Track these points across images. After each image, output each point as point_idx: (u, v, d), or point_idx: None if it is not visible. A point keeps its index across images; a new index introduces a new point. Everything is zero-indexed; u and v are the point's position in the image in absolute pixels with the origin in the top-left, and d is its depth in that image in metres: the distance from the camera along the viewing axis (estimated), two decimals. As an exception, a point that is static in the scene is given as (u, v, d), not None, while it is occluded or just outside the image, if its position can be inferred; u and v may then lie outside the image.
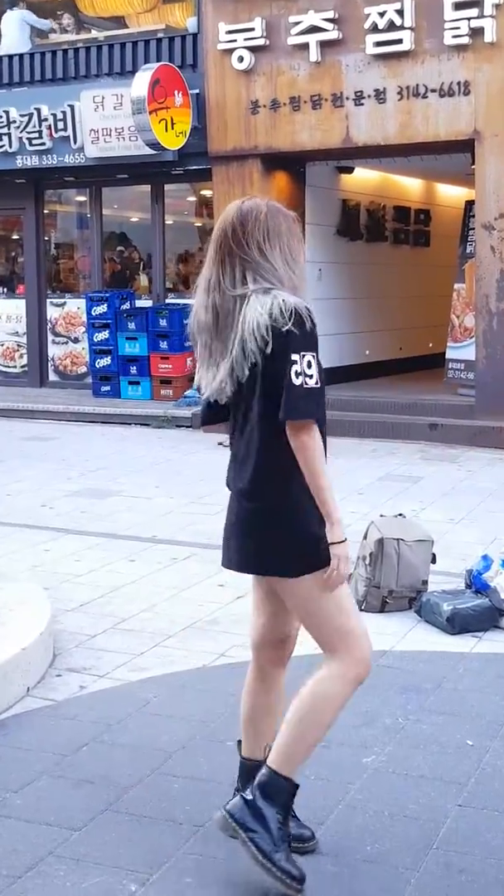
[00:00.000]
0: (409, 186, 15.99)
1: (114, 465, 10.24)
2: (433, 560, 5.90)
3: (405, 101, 11.49)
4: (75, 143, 13.46)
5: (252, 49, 12.19)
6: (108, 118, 13.07)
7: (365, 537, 5.83)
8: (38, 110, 13.61)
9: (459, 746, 4.06)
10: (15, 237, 15.87)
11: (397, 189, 15.61)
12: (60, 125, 13.48)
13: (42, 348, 15.16)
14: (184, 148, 12.83)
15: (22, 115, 13.72)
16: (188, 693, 4.60)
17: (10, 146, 13.95)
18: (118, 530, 7.59)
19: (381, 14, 11.39)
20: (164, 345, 13.51)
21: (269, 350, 2.95)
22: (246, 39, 12.20)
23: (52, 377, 15.17)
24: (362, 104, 11.72)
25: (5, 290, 15.69)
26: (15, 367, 15.47)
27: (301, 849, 3.25)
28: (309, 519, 3.01)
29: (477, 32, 10.93)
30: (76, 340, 14.90)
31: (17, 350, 15.40)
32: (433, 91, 11.32)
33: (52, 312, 15.10)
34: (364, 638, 3.14)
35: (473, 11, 10.91)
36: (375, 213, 15.08)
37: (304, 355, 2.93)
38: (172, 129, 12.63)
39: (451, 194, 16.37)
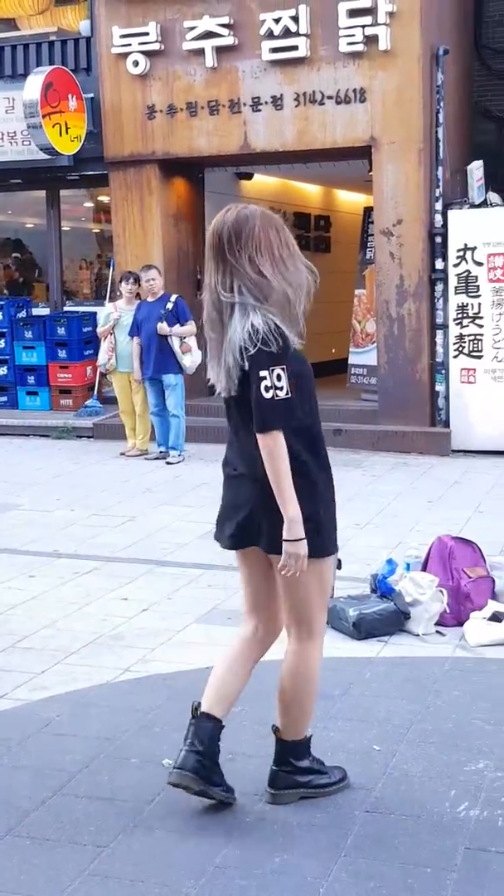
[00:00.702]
0: (308, 193, 16.11)
1: (12, 478, 10.10)
2: (339, 566, 5.90)
3: (302, 108, 11.58)
4: (-32, 149, 13.26)
5: (147, 53, 12.16)
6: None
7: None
8: None
9: (367, 752, 4.09)
10: None
11: (297, 195, 15.73)
12: (-48, 131, 13.27)
13: None
14: (79, 153, 12.74)
15: None
16: (92, 711, 4.55)
17: None
18: (17, 545, 7.49)
19: (277, 20, 11.46)
20: (62, 353, 13.38)
21: (245, 366, 3.35)
22: (141, 44, 12.16)
23: None
24: (260, 110, 11.77)
25: None
26: None
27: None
28: (304, 504, 3.40)
29: (372, 40, 11.06)
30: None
31: None
32: (330, 98, 11.41)
33: None
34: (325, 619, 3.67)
35: (368, 19, 11.04)
36: (275, 220, 15.13)
37: (273, 370, 3.32)
38: (67, 133, 12.52)
39: (351, 200, 16.56)
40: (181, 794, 3.70)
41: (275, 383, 3.32)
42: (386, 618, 5.47)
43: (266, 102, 11.72)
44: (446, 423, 11.38)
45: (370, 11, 11.04)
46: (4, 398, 13.66)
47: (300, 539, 3.37)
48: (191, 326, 10.82)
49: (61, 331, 13.37)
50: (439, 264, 11.29)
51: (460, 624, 5.55)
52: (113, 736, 4.26)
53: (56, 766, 4.00)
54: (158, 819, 3.60)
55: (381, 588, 5.64)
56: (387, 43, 10.99)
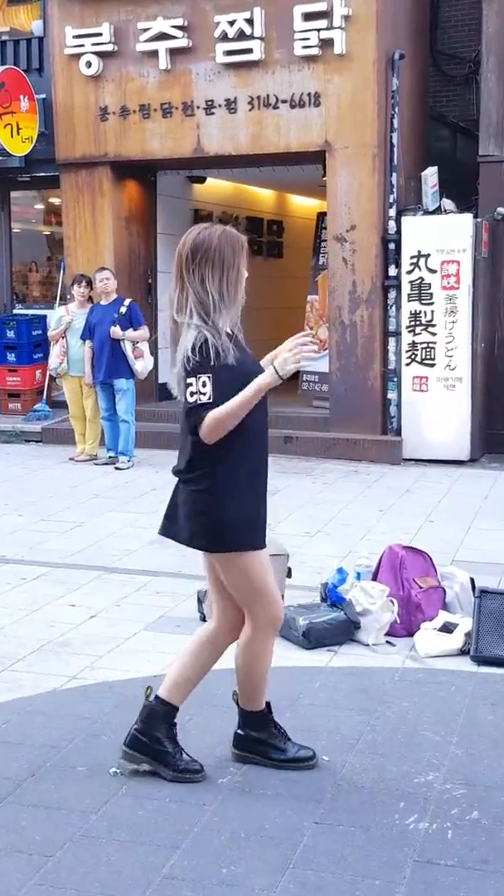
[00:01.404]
0: (261, 197, 16.15)
1: (-41, 482, 10.03)
2: (289, 574, 5.95)
3: (256, 112, 11.61)
4: None
5: (100, 55, 12.14)
6: (-50, 122, 12.82)
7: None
8: None
9: (317, 763, 4.10)
10: None
11: (250, 199, 15.76)
12: None
13: None
14: (31, 154, 12.69)
15: None
16: (38, 718, 4.53)
17: None
18: (-36, 550, 7.44)
19: (231, 23, 11.48)
20: (11, 357, 13.31)
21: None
22: (94, 45, 12.14)
23: None
24: (213, 113, 11.79)
25: None
26: None
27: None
28: (230, 504, 3.77)
29: (327, 44, 11.12)
30: None
31: None
32: (284, 102, 11.46)
33: None
34: (276, 601, 3.95)
35: (323, 23, 11.10)
36: (227, 224, 15.13)
37: (199, 377, 3.68)
38: (18, 134, 12.47)
39: (304, 205, 16.61)
40: (129, 802, 3.69)
41: (199, 389, 3.69)
42: (336, 627, 5.49)
43: (220, 105, 11.74)
44: (398, 432, 11.45)
45: (326, 15, 11.10)
46: (-49, 401, 13.54)
47: (268, 371, 3.77)
48: (144, 331, 10.81)
49: (10, 334, 13.30)
50: (392, 271, 11.36)
51: (410, 634, 5.57)
52: (59, 744, 4.25)
53: (1, 775, 3.97)
54: (105, 828, 3.60)
55: (331, 597, 5.67)
56: (342, 47, 11.06)
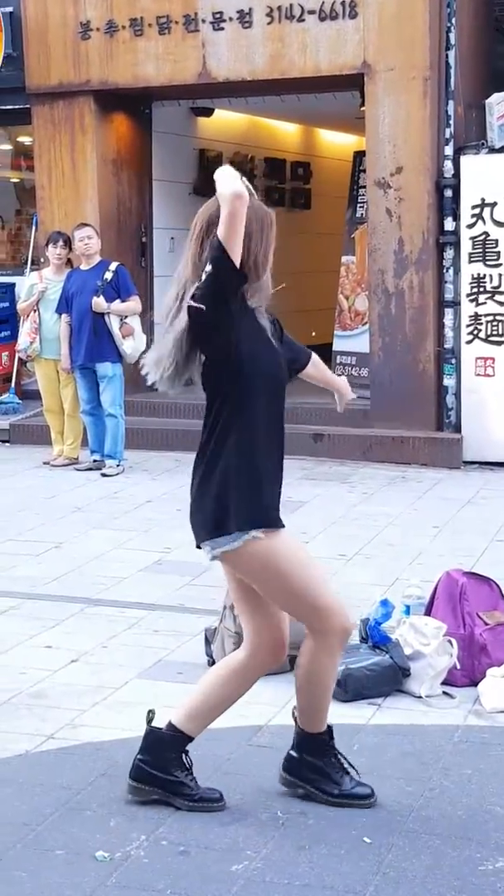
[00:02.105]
0: (284, 133, 16.16)
1: None
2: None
3: (276, 26, 11.61)
4: None
5: (81, -45, 12.18)
6: None
7: (233, 581, 5.83)
8: None
9: (355, 845, 4.09)
10: None
11: (269, 136, 15.76)
12: None
13: None
14: (-6, 82, 12.74)
15: None
16: (6, 789, 4.53)
17: None
18: None
19: None
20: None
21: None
22: None
23: None
24: (222, 28, 11.79)
25: None
26: None
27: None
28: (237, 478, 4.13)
29: None
30: None
31: None
32: (311, 13, 11.45)
33: None
34: (331, 603, 4.23)
35: None
36: (242, 167, 15.04)
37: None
38: (-22, 57, 12.51)
39: (337, 143, 16.61)
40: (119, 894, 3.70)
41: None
42: (379, 674, 5.47)
43: (230, 19, 11.74)
44: (457, 428, 11.44)
45: None
46: None
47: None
48: (134, 303, 10.81)
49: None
50: (449, 225, 11.35)
51: (474, 684, 5.55)
52: (33, 821, 4.25)
53: (-41, 863, 3.99)
54: (90, 930, 3.60)
55: (374, 637, 5.65)
56: None
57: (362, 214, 12.55)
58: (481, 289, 11.27)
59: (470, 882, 3.88)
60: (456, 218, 11.33)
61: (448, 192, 11.34)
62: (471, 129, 11.70)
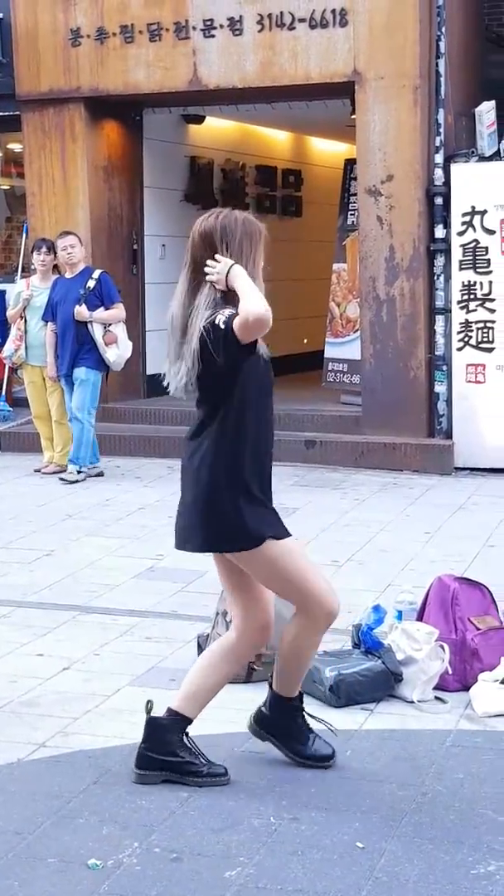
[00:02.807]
0: (275, 141, 16.16)
1: None
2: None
3: (267, 34, 11.62)
4: None
5: (71, -37, 12.18)
6: None
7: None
8: None
9: (348, 850, 4.09)
10: None
11: (260, 144, 15.77)
12: None
13: None
14: (-16, 89, 12.73)
15: None
16: (-2, 796, 4.53)
17: None
18: None
19: None
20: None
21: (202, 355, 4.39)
22: (63, -49, 12.18)
23: None
24: (213, 36, 11.81)
25: None
26: None
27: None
28: (237, 490, 4.43)
29: None
30: None
31: None
32: (302, 21, 11.47)
33: None
34: (324, 593, 4.56)
35: None
36: (233, 175, 15.20)
37: (223, 312, 4.31)
38: (-31, 64, 12.51)
39: (328, 151, 16.62)
40: (112, 904, 3.68)
41: (227, 313, 4.30)
42: (372, 679, 5.47)
43: (221, 26, 11.76)
44: (448, 434, 11.45)
45: None
46: None
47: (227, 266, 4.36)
48: (118, 310, 10.79)
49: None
50: (440, 232, 11.37)
51: (466, 688, 5.55)
52: (25, 829, 4.24)
53: (-48, 870, 3.98)
54: (82, 937, 3.60)
55: (366, 642, 5.65)
56: (374, -47, 11.09)
57: (353, 222, 12.56)
58: (472, 296, 11.28)
59: (462, 886, 3.87)
60: (446, 225, 11.35)
61: (438, 200, 11.35)
62: (461, 138, 11.72)
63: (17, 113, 12.79)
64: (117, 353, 10.70)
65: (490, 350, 11.25)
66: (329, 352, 13.16)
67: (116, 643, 6.37)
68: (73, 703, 5.51)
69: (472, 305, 11.29)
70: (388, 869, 3.98)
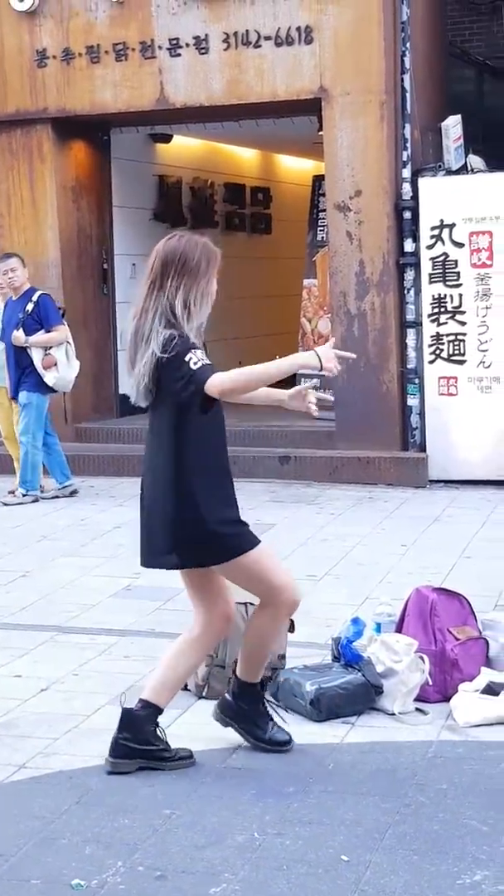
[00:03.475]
0: (243, 159, 16.20)
1: None
2: (291, 629, 5.92)
3: (233, 52, 11.65)
4: None
5: (36, -15, 12.19)
6: None
7: (203, 603, 5.82)
8: None
9: (333, 864, 4.08)
10: None
11: (228, 162, 15.80)
12: None
13: None
14: (-49, 112, 12.71)
15: None
16: (-21, 819, 4.50)
17: None
18: None
19: None
20: None
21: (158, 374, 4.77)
22: (27, -28, 12.19)
23: None
24: (179, 55, 11.83)
25: None
26: None
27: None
28: (216, 508, 4.82)
29: (319, -34, 11.19)
30: None
31: None
32: (268, 39, 11.50)
33: None
34: (290, 586, 4.93)
35: None
36: (202, 193, 15.22)
37: (194, 351, 4.71)
38: None
39: (296, 168, 16.67)
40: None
41: (201, 358, 4.69)
42: (352, 693, 5.46)
43: (187, 45, 11.78)
44: (422, 447, 11.46)
45: None
46: None
47: (311, 353, 5.14)
48: (56, 333, 10.62)
49: None
50: (409, 246, 11.39)
51: (447, 699, 5.55)
52: (7, 851, 4.21)
53: None
54: None
55: (346, 655, 5.64)
56: (338, -30, 11.13)
57: (323, 238, 12.59)
58: (442, 309, 11.30)
59: (449, 897, 3.87)
60: (415, 239, 11.37)
61: (407, 215, 11.38)
62: (428, 152, 11.76)
63: (-15, 135, 12.78)
64: (57, 376, 10.56)
65: (462, 362, 11.27)
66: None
67: (95, 663, 6.35)
68: (52, 723, 5.48)
69: (442, 318, 11.31)
70: (374, 881, 3.97)
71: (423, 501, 10.54)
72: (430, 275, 11.30)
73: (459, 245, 11.18)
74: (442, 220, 11.22)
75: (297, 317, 13.35)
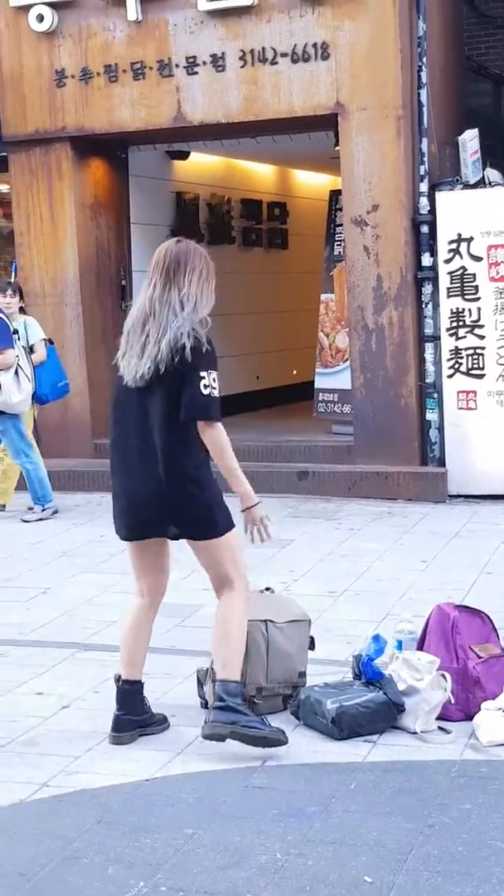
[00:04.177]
0: (259, 175, 16.20)
1: None
2: (311, 646, 5.90)
3: (250, 69, 11.66)
4: None
5: (54, 5, 12.20)
6: None
7: (223, 621, 5.79)
8: None
9: (355, 885, 4.05)
10: None
11: (245, 178, 15.80)
12: None
13: None
14: (-30, 131, 12.75)
15: None
16: (1, 838, 4.48)
17: None
18: None
19: (216, -40, 11.58)
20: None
21: (180, 359, 5.14)
22: (45, -8, 12.23)
23: None
24: (196, 73, 11.84)
25: None
26: None
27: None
28: (215, 488, 5.33)
29: (335, -18, 11.20)
30: None
31: None
32: (284, 55, 11.50)
33: None
34: (243, 561, 5.46)
35: (329, -44, 11.19)
36: (219, 209, 15.23)
37: (210, 373, 5.14)
38: (-46, 106, 12.52)
39: (313, 183, 16.66)
40: None
41: (211, 384, 5.12)
42: (374, 711, 5.43)
43: (204, 63, 11.79)
44: (441, 461, 11.43)
45: None
46: None
47: (256, 504, 5.34)
48: (4, 356, 10.44)
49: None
50: (427, 260, 11.37)
51: (469, 718, 5.52)
52: (29, 871, 4.19)
53: (-45, 916, 3.93)
54: None
55: (367, 673, 5.61)
56: (354, -14, 11.13)
57: (340, 252, 12.58)
58: (461, 323, 11.28)
59: (474, 919, 3.83)
60: (433, 253, 11.36)
61: (424, 229, 11.37)
62: (445, 166, 11.75)
63: (4, 154, 12.82)
64: (2, 398, 10.49)
65: (480, 376, 11.24)
66: (319, 382, 13.16)
67: (116, 680, 6.33)
68: (73, 741, 5.46)
69: (461, 332, 11.28)
70: (398, 903, 3.94)
71: (442, 516, 10.52)
72: (448, 289, 11.28)
73: (477, 259, 11.16)
74: (459, 234, 11.20)
75: (314, 331, 13.34)
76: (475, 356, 11.23)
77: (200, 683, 5.84)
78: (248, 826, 4.48)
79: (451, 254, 11.24)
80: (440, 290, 11.33)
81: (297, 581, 8.17)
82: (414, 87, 11.38)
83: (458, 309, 11.27)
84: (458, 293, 11.25)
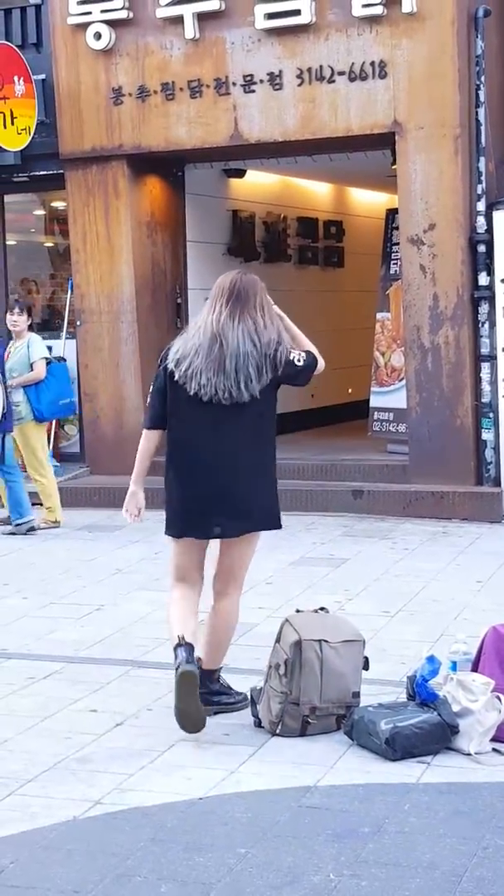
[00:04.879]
0: (316, 193, 16.24)
1: None
2: (366, 666, 5.89)
3: (307, 87, 11.70)
4: None
5: (112, 23, 12.31)
6: None
7: (278, 640, 5.80)
8: None
9: (409, 907, 4.04)
10: None
11: (301, 196, 15.84)
12: None
13: None
14: (28, 148, 12.85)
15: None
16: (54, 856, 4.50)
17: None
18: (-44, 643, 7.47)
19: (274, -21, 11.64)
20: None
21: (276, 363, 5.93)
22: (103, 12, 12.31)
23: None
24: (253, 91, 11.90)
25: None
26: None
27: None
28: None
29: (393, 1, 11.21)
30: None
31: None
32: (341, 74, 11.54)
33: None
34: None
35: (387, -25, 11.22)
36: (275, 227, 15.27)
37: (297, 352, 6.01)
38: (13, 124, 12.64)
39: (370, 202, 16.67)
40: None
41: (298, 357, 5.94)
42: (428, 732, 5.42)
43: (261, 81, 11.85)
44: (497, 481, 11.40)
45: (390, -34, 11.21)
46: None
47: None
48: None
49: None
50: (483, 279, 11.36)
51: (524, 739, 5.51)
52: (83, 888, 4.21)
53: (10, 931, 3.95)
54: None
55: (421, 694, 5.60)
56: (412, 4, 11.15)
57: (396, 271, 12.59)
58: (517, 342, 11.26)
59: (528, 943, 3.82)
60: (490, 273, 11.35)
61: (481, 248, 11.36)
62: (502, 185, 11.74)
63: (61, 171, 12.92)
64: None
65: (537, 396, 11.21)
66: (374, 401, 13.16)
67: (169, 698, 6.31)
68: (127, 758, 5.48)
69: (517, 352, 11.26)
70: (452, 925, 3.93)
71: (497, 536, 10.48)
72: (505, 308, 11.27)
73: (534, 278, 11.14)
74: (517, 254, 11.19)
75: (370, 350, 13.35)
76: (532, 376, 11.20)
77: (254, 702, 5.85)
78: (301, 846, 4.48)
79: (509, 273, 11.23)
80: (497, 310, 11.32)
81: (352, 600, 8.16)
82: (472, 105, 11.39)
83: (514, 328, 11.24)
84: (516, 312, 11.23)
